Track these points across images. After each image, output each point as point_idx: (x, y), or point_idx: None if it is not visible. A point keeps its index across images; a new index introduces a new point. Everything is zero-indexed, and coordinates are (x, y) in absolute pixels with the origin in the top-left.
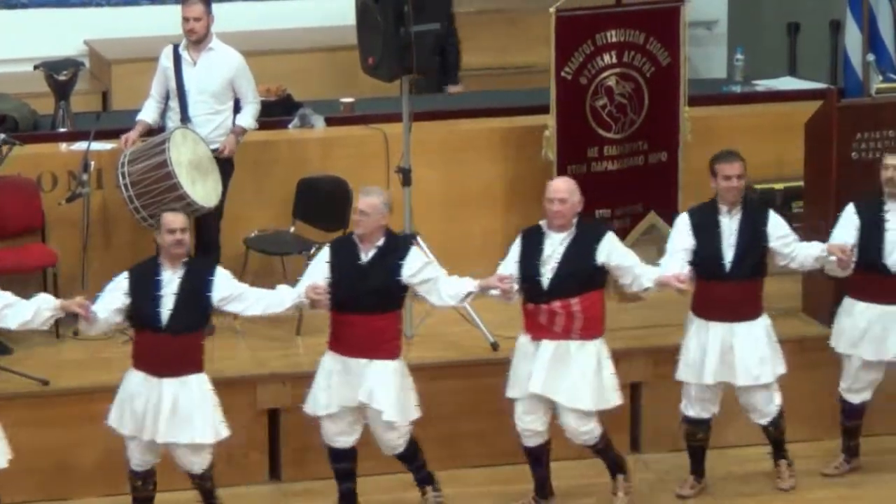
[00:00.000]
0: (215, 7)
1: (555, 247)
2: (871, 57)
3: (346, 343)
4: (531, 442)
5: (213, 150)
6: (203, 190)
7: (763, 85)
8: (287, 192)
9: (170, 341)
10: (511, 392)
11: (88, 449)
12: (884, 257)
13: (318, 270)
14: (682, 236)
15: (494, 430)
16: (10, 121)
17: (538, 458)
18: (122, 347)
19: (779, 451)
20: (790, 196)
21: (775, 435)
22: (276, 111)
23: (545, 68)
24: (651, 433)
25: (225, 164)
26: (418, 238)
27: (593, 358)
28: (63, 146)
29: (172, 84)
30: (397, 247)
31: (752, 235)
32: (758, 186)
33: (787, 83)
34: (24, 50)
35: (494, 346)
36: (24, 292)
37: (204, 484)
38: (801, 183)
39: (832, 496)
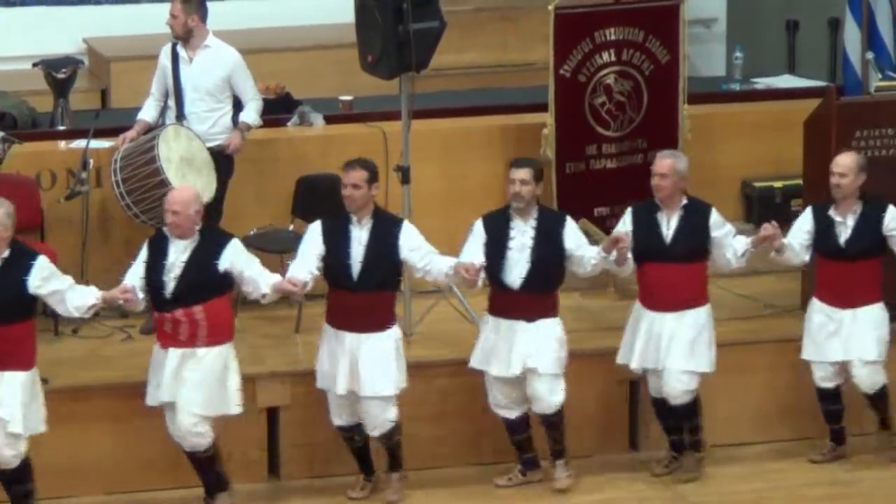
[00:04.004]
0: (214, 5)
1: (178, 254)
2: (870, 55)
3: None
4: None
5: (212, 148)
6: (196, 186)
7: (762, 83)
8: (286, 190)
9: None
10: (150, 401)
11: (89, 447)
12: (504, 274)
13: None
14: (312, 242)
15: (496, 428)
16: (8, 119)
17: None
18: (122, 345)
19: (394, 462)
20: (789, 194)
21: (389, 446)
22: (276, 109)
23: (544, 66)
24: (650, 432)
25: (225, 163)
26: None
27: (219, 363)
28: (62, 144)
29: (170, 81)
30: (21, 257)
31: (382, 247)
32: (757, 184)
33: (787, 81)
34: (23, 48)
35: None
36: None
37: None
38: (800, 181)
39: (830, 493)
